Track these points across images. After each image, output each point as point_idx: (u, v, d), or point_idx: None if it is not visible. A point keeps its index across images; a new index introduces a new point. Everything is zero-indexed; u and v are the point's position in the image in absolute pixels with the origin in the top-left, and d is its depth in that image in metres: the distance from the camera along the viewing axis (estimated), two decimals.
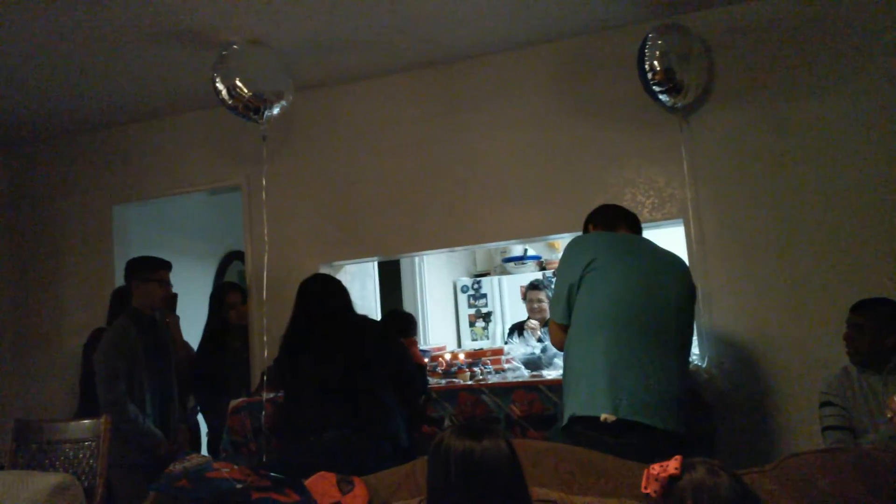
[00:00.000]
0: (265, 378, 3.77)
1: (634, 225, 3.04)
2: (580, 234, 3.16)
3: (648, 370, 2.59)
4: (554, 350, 3.81)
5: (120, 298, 4.17)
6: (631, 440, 2.47)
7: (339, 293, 3.54)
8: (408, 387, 3.50)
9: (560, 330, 2.83)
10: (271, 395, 3.85)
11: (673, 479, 1.66)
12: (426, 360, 4.14)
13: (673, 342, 2.70)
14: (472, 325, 6.80)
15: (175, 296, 4.14)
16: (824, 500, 2.09)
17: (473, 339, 6.70)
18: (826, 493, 2.10)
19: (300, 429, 3.28)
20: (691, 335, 2.89)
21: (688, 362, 2.85)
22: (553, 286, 2.98)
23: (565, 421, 2.66)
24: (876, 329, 3.04)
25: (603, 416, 2.51)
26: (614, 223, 3.00)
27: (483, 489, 1.82)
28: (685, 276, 2.86)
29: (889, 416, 2.30)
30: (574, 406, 2.62)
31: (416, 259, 6.17)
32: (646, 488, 1.70)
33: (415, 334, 4.43)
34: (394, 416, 3.32)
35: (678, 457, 1.69)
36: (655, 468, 1.69)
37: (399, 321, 4.36)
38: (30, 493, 2.82)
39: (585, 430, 2.55)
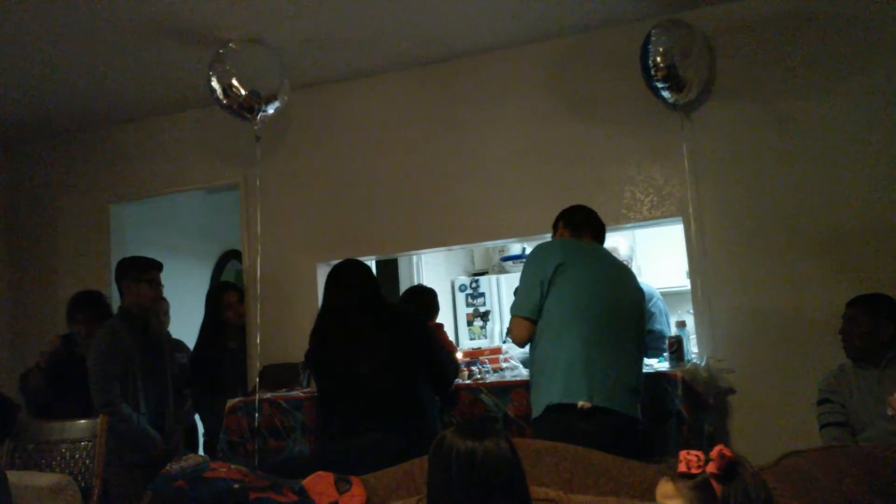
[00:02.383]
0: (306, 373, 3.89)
1: (599, 234, 3.22)
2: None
3: (615, 363, 2.84)
4: None
5: (75, 304, 4.12)
6: (602, 425, 2.71)
7: (370, 280, 3.29)
8: (441, 377, 3.33)
9: (527, 325, 2.95)
10: (268, 395, 3.84)
11: (733, 463, 1.65)
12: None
13: (632, 339, 2.97)
14: (470, 324, 6.78)
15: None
16: (824, 498, 2.07)
17: (471, 339, 6.68)
18: (826, 490, 2.09)
19: (338, 429, 3.10)
20: (645, 334, 3.16)
21: (643, 358, 3.11)
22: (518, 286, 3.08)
23: (540, 411, 2.83)
24: (871, 324, 3.05)
25: (580, 404, 2.73)
26: (581, 229, 3.17)
27: (484, 489, 1.81)
28: (636, 282, 3.17)
29: (890, 413, 2.30)
30: (551, 395, 2.81)
31: (414, 258, 6.15)
32: (689, 468, 1.67)
33: (437, 311, 4.43)
34: (431, 412, 3.20)
35: (721, 445, 1.68)
36: (693, 454, 1.67)
37: (421, 299, 4.34)
38: (27, 493, 2.81)
39: (561, 418, 2.75)
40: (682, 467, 1.68)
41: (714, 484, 1.64)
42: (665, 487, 1.71)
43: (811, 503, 2.07)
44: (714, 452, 1.67)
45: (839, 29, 3.71)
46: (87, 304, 4.12)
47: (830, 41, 3.72)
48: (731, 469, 1.65)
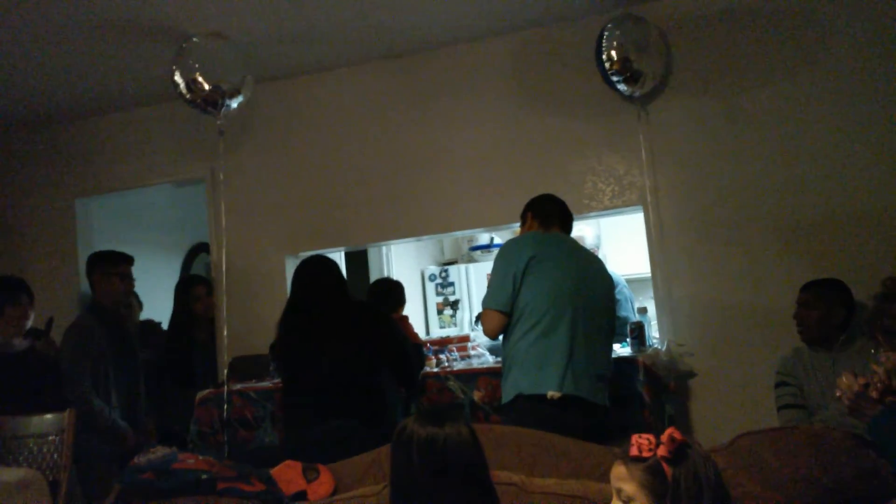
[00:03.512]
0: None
1: (567, 224, 3.26)
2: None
3: (585, 353, 2.92)
4: None
5: (17, 286, 3.70)
6: (570, 412, 2.82)
7: (334, 275, 3.37)
8: (406, 369, 3.40)
9: (499, 318, 2.99)
10: (238, 387, 3.86)
11: (682, 446, 1.70)
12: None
13: (603, 328, 3.07)
14: (440, 312, 6.82)
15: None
16: (776, 478, 2.11)
17: (441, 327, 6.73)
18: (778, 470, 2.13)
19: (300, 417, 3.19)
20: (615, 323, 3.24)
21: (612, 346, 3.22)
22: (490, 280, 3.12)
23: (510, 398, 2.90)
24: (823, 308, 3.13)
25: (550, 394, 2.83)
26: (550, 219, 3.21)
27: (446, 474, 1.84)
28: (606, 271, 3.26)
29: (838, 394, 2.36)
30: (521, 385, 2.88)
31: (384, 248, 6.17)
32: (641, 452, 1.71)
33: (403, 304, 4.46)
34: (392, 400, 3.29)
35: (672, 428, 1.72)
36: (644, 437, 1.71)
37: (387, 291, 4.37)
38: None
39: (528, 405, 2.85)
40: (633, 451, 1.72)
41: (664, 466, 1.69)
42: (618, 470, 1.75)
43: (762, 483, 2.10)
44: (664, 436, 1.72)
45: (792, 23, 3.78)
46: (25, 287, 3.74)
47: (785, 32, 3.79)
48: (680, 452, 1.70)
